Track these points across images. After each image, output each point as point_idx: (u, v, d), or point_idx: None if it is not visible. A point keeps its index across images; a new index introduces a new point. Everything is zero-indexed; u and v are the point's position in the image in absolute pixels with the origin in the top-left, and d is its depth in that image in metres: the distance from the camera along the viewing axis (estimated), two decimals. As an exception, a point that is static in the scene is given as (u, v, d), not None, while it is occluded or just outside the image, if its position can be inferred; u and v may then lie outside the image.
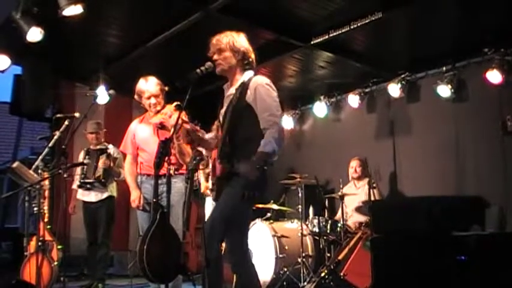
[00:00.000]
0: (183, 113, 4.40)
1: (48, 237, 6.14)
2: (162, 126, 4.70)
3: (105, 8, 6.35)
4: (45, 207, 6.28)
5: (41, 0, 5.40)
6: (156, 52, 7.33)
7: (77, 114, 6.13)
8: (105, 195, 6.79)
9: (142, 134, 4.99)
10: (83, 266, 7.74)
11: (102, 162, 6.64)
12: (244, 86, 3.85)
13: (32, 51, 6.51)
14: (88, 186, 6.72)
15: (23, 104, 7.34)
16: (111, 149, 6.79)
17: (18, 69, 7.43)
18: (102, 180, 6.64)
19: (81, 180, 6.70)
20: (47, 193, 6.32)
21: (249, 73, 3.95)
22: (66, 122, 6.13)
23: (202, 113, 4.39)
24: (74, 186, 6.92)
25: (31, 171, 5.92)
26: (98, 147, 6.85)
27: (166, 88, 4.96)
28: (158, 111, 4.93)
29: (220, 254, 3.73)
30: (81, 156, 6.91)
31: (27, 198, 6.19)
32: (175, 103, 4.22)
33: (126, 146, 5.13)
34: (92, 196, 6.80)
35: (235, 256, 3.81)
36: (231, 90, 3.95)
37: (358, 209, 7.32)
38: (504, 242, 4.30)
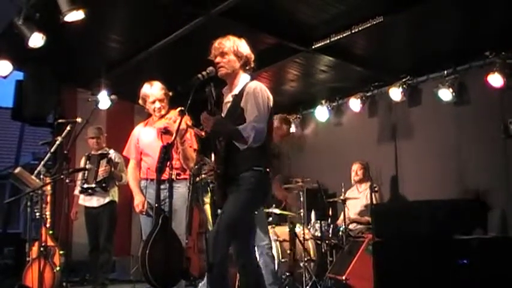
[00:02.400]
0: (188, 117, 4.42)
1: (50, 243, 6.14)
2: (166, 131, 4.71)
3: (106, 13, 6.36)
4: (47, 213, 6.27)
5: (43, 6, 5.41)
6: (158, 57, 7.34)
7: (78, 120, 6.13)
8: (106, 200, 6.78)
9: (146, 138, 4.99)
10: (85, 271, 7.73)
11: (103, 166, 6.63)
12: (239, 94, 3.87)
13: (33, 56, 6.52)
14: (90, 191, 6.71)
15: (25, 110, 7.35)
16: (112, 153, 6.79)
17: (20, 75, 7.46)
18: (103, 184, 6.63)
19: (82, 186, 6.69)
20: (49, 198, 6.31)
21: (246, 78, 3.97)
22: (68, 127, 6.13)
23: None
24: (76, 192, 6.91)
25: (33, 177, 5.93)
26: (99, 152, 6.85)
27: (171, 93, 4.97)
28: (162, 116, 4.94)
29: (227, 260, 3.72)
30: (82, 162, 6.90)
31: (29, 204, 6.20)
32: (179, 108, 4.23)
33: (130, 150, 5.13)
34: (94, 201, 6.79)
35: (242, 259, 3.82)
36: (228, 98, 3.97)
37: (360, 213, 7.32)
38: (506, 246, 4.30)
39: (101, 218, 6.76)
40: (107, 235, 6.76)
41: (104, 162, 6.65)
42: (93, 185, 6.63)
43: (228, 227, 3.69)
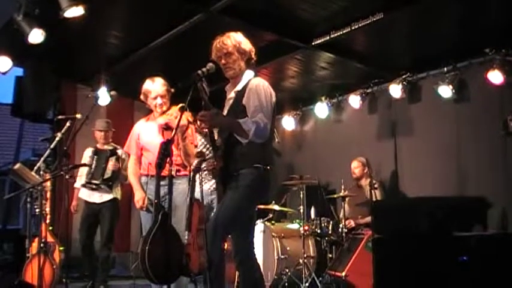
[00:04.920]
0: (189, 114, 4.42)
1: (50, 239, 6.14)
2: (167, 127, 4.71)
3: (106, 9, 6.35)
4: (47, 209, 6.26)
5: (43, 2, 5.40)
6: (158, 53, 7.34)
7: (78, 116, 6.14)
8: (109, 197, 6.75)
9: (147, 134, 4.99)
10: (85, 267, 7.72)
11: (112, 164, 6.58)
12: (242, 90, 3.86)
13: (33, 52, 6.51)
14: (94, 186, 6.67)
15: (25, 106, 7.34)
16: (120, 151, 6.73)
17: (19, 71, 7.45)
18: (110, 183, 6.60)
19: (87, 180, 6.65)
20: (48, 194, 6.30)
21: (249, 74, 3.96)
22: (68, 124, 6.15)
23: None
24: (77, 185, 6.86)
25: (33, 173, 5.93)
26: (105, 147, 6.81)
27: (172, 89, 4.96)
28: (164, 112, 4.94)
29: (223, 254, 3.74)
30: (87, 154, 6.82)
31: (29, 200, 6.19)
32: (180, 104, 4.23)
33: (130, 146, 5.13)
34: (96, 197, 6.75)
35: (241, 255, 3.83)
36: (231, 94, 3.97)
37: (360, 210, 7.33)
38: (506, 243, 4.30)
39: (102, 214, 6.74)
40: (108, 232, 6.74)
41: (113, 159, 6.60)
42: (98, 182, 6.59)
43: (224, 222, 3.71)
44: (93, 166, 6.62)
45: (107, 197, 6.76)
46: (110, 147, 6.78)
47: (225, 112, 3.97)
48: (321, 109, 8.90)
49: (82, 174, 6.81)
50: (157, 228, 4.23)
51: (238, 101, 3.84)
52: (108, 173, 6.59)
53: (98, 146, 6.89)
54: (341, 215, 7.18)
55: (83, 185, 6.73)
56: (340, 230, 7.02)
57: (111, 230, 6.79)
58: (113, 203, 6.79)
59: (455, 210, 4.43)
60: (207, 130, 4.22)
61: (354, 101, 8.40)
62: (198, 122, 3.86)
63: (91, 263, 6.81)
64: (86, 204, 6.83)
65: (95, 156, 6.67)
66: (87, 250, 6.78)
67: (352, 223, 7.17)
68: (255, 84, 3.83)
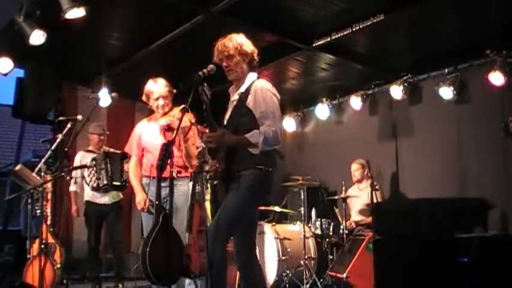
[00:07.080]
0: (191, 115, 4.42)
1: (50, 240, 6.15)
2: (169, 128, 4.71)
3: (107, 10, 6.36)
4: (48, 210, 6.26)
5: (44, 3, 5.41)
6: (159, 54, 7.33)
7: (79, 117, 6.13)
8: (119, 198, 6.80)
9: (148, 135, 4.98)
10: (86, 268, 7.72)
11: (127, 166, 6.56)
12: (245, 91, 3.85)
13: (34, 54, 6.51)
14: (111, 189, 6.65)
15: (26, 107, 7.35)
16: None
17: (20, 72, 7.46)
18: (126, 184, 6.58)
19: (108, 183, 6.56)
20: (49, 196, 6.30)
21: (253, 76, 3.95)
22: (69, 125, 6.14)
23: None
24: (74, 188, 6.83)
25: (34, 174, 5.93)
26: (111, 150, 6.78)
27: (174, 90, 4.96)
28: (166, 113, 4.94)
29: (225, 256, 3.74)
30: (84, 158, 6.81)
31: (30, 201, 6.20)
32: (182, 106, 4.23)
33: (131, 147, 5.12)
34: (106, 199, 6.74)
35: (242, 256, 3.83)
36: (234, 96, 3.96)
37: (361, 211, 7.33)
38: (507, 244, 4.30)
39: (112, 215, 6.74)
40: (119, 233, 6.79)
41: (127, 161, 6.57)
42: (120, 184, 6.58)
43: (226, 224, 3.71)
44: (109, 169, 6.58)
45: (117, 198, 6.79)
46: (117, 151, 6.73)
47: (228, 114, 3.97)
48: (322, 110, 8.90)
49: (77, 176, 6.74)
50: (158, 230, 4.24)
51: (242, 103, 3.83)
52: (126, 175, 6.56)
53: (91, 148, 6.87)
54: (341, 216, 7.18)
55: (95, 188, 6.66)
56: (341, 231, 7.02)
57: (121, 231, 6.83)
58: (120, 204, 6.83)
59: (456, 211, 4.43)
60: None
61: (355, 102, 8.40)
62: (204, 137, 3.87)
63: (96, 265, 6.82)
64: (93, 206, 6.76)
65: (107, 159, 6.62)
66: (95, 253, 6.79)
67: (353, 224, 7.18)
68: (259, 87, 3.82)
